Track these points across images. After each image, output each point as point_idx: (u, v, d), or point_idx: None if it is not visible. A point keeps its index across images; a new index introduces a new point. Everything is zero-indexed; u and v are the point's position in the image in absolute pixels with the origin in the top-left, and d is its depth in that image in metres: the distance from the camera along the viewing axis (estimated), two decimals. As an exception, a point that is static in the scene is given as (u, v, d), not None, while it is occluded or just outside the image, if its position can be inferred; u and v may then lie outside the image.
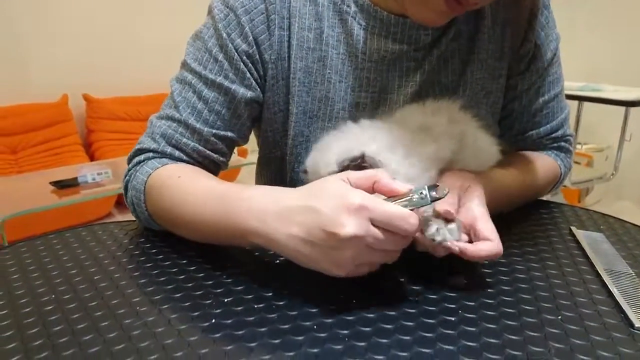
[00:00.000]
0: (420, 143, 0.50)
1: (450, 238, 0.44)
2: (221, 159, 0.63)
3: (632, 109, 2.25)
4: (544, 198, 0.72)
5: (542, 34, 0.63)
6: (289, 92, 0.60)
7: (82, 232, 0.61)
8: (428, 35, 0.59)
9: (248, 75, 0.59)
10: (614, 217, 0.64)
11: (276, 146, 0.66)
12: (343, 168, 0.48)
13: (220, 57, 0.58)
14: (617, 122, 2.39)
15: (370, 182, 0.42)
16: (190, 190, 0.53)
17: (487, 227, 0.45)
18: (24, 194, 2.22)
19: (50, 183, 2.19)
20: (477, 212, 0.46)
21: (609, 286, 0.45)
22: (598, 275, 0.48)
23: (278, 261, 0.51)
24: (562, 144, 0.71)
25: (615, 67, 2.84)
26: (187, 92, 0.59)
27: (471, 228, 0.46)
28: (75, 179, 2.21)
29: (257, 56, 0.59)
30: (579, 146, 2.68)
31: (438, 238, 0.43)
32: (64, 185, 2.18)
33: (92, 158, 3.29)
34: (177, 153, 0.59)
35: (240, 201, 0.47)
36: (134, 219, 0.61)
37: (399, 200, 0.41)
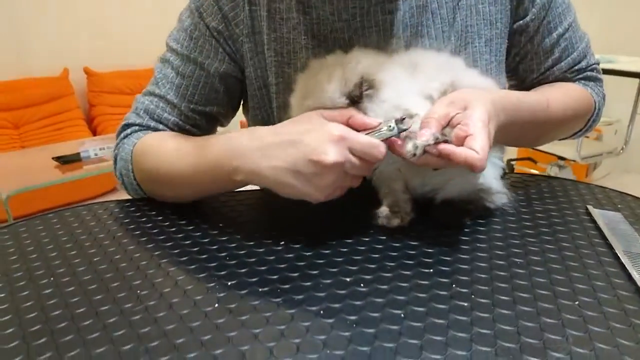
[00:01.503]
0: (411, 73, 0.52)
1: (425, 143, 0.45)
2: (197, 132, 0.65)
3: (645, 81, 2.18)
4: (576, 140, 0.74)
5: None
6: (266, 64, 0.61)
7: (82, 211, 0.60)
8: None
9: (220, 49, 0.61)
10: (632, 196, 0.62)
11: (264, 122, 0.65)
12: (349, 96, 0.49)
13: (195, 34, 0.61)
14: (628, 95, 2.33)
15: (344, 118, 0.47)
16: (174, 147, 0.58)
17: (475, 142, 0.44)
18: (27, 169, 2.22)
19: (53, 158, 2.17)
20: (470, 129, 0.45)
21: (629, 269, 0.44)
22: (617, 257, 0.46)
23: (280, 248, 0.50)
24: (589, 73, 0.68)
25: (631, 37, 2.75)
26: (166, 69, 0.63)
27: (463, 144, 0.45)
28: (78, 154, 2.19)
29: (228, 32, 0.61)
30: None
31: (418, 152, 0.45)
32: (66, 161, 2.16)
33: (94, 132, 3.27)
34: (160, 127, 0.63)
35: (220, 144, 0.52)
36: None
37: (371, 132, 0.47)
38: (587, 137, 2.66)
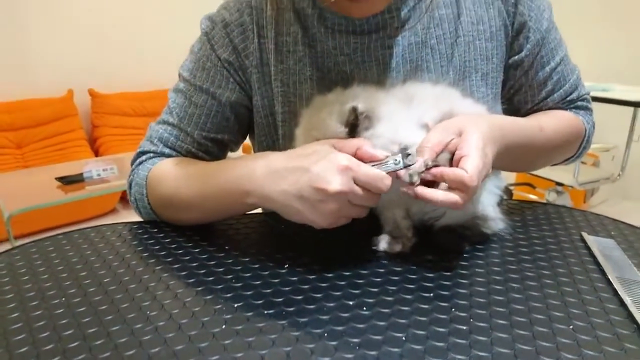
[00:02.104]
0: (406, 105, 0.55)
1: (418, 170, 0.47)
2: (209, 158, 0.67)
3: (640, 109, 2.23)
4: (566, 164, 0.75)
5: (533, 6, 0.64)
6: (273, 94, 0.64)
7: (91, 232, 0.61)
8: (393, 18, 0.60)
9: (231, 80, 0.64)
10: (625, 223, 0.63)
11: (270, 149, 0.67)
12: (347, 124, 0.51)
13: (207, 65, 0.64)
14: (624, 122, 2.37)
15: (353, 149, 0.49)
16: (188, 172, 0.61)
17: (466, 163, 0.46)
18: (29, 189, 2.23)
19: (56, 179, 2.19)
20: (464, 151, 0.47)
21: (621, 295, 0.45)
22: (610, 283, 0.48)
23: (284, 271, 0.51)
24: (580, 103, 0.71)
25: (626, 67, 2.82)
26: (180, 98, 0.66)
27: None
28: (81, 174, 2.21)
29: (238, 63, 0.64)
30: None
31: (414, 179, 0.47)
32: (69, 181, 2.18)
33: (96, 153, 3.30)
34: (174, 154, 0.66)
35: (233, 169, 0.55)
36: (140, 219, 0.63)
37: (377, 165, 0.48)
38: (585, 163, 2.69)
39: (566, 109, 0.71)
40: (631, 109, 2.25)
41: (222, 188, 0.55)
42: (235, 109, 0.66)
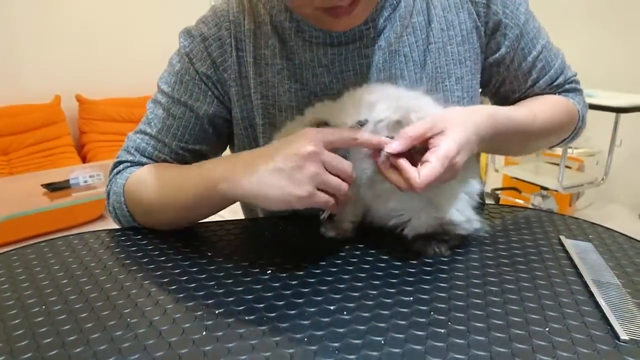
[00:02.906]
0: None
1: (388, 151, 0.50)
2: None
3: (623, 115, 2.27)
4: (560, 148, 0.77)
5: (508, 2, 0.64)
6: (253, 106, 0.65)
7: (74, 240, 0.61)
8: (369, 29, 0.61)
9: (209, 93, 0.65)
10: (603, 227, 0.65)
11: None
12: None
13: (185, 78, 0.65)
14: (608, 127, 2.42)
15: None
16: (165, 174, 0.62)
17: (423, 168, 0.48)
18: (15, 196, 2.21)
19: (42, 185, 2.17)
20: (430, 157, 0.49)
21: (597, 297, 0.46)
22: (586, 286, 0.49)
23: (266, 277, 0.52)
24: (568, 86, 0.72)
25: (609, 73, 2.87)
26: (158, 110, 0.66)
27: None
28: (67, 181, 2.20)
29: (216, 77, 0.65)
30: (570, 150, 2.71)
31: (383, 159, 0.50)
32: (55, 188, 2.16)
33: (84, 159, 3.27)
34: (151, 163, 0.66)
35: (205, 163, 0.57)
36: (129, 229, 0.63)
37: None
38: (569, 167, 2.73)
39: (555, 94, 0.72)
40: (614, 114, 2.29)
41: (194, 180, 0.56)
42: (213, 121, 0.66)
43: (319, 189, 0.49)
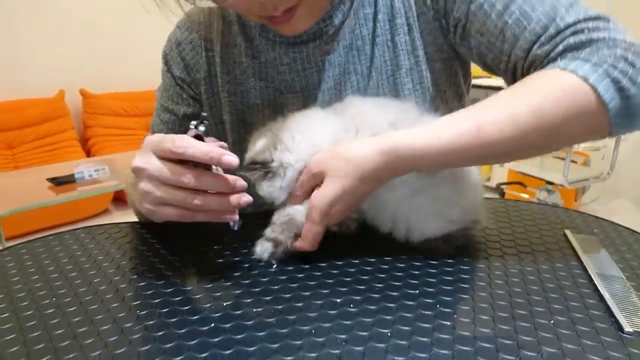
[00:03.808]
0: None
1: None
2: None
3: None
4: (582, 146, 0.63)
5: None
6: (221, 104, 0.68)
7: (81, 233, 0.62)
8: (328, 26, 0.62)
9: (184, 95, 0.70)
10: (608, 221, 0.65)
11: None
12: (246, 166, 0.55)
13: (167, 85, 0.71)
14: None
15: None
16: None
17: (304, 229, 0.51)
18: (21, 190, 2.22)
19: (48, 180, 2.19)
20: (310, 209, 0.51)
21: (601, 290, 0.46)
22: (590, 279, 0.49)
23: (273, 270, 0.52)
24: (570, 40, 0.47)
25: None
26: (155, 117, 0.73)
27: None
28: (72, 175, 2.21)
29: (190, 78, 0.69)
30: (575, 145, 2.70)
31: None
32: (60, 182, 2.18)
33: (88, 154, 3.29)
34: None
35: None
36: (131, 219, 0.65)
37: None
38: (575, 162, 2.72)
39: (553, 57, 0.49)
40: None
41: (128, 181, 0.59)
42: (192, 120, 0.69)
43: (165, 204, 0.45)
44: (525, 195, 2.70)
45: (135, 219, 0.67)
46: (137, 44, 3.51)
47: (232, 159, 0.43)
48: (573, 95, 0.44)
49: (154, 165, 0.44)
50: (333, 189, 0.49)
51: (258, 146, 0.56)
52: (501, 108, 0.47)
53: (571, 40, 0.47)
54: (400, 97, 0.62)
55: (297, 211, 0.53)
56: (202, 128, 0.46)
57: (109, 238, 0.60)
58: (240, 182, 0.46)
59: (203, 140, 0.46)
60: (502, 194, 2.82)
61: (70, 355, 0.37)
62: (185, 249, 0.56)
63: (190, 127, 0.46)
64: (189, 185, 0.44)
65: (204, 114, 0.47)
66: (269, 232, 0.54)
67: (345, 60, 0.63)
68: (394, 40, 0.62)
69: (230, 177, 0.45)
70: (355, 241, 0.57)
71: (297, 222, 0.53)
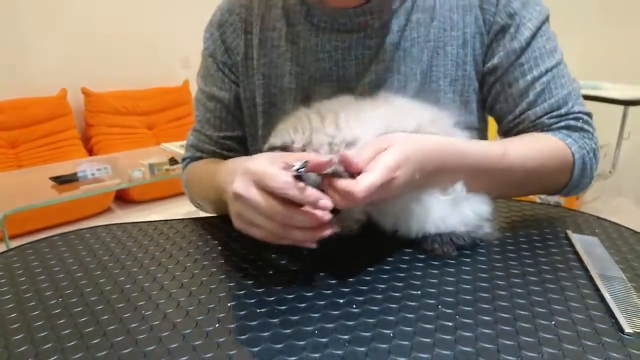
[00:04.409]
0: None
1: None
2: (234, 154, 0.73)
3: (631, 108, 2.26)
4: (553, 198, 0.69)
5: (515, 15, 0.62)
6: (255, 86, 0.68)
7: (86, 233, 0.62)
8: (375, 19, 0.62)
9: (227, 80, 0.70)
10: (609, 221, 0.65)
11: (254, 139, 0.72)
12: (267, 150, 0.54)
13: (210, 71, 0.71)
14: (616, 120, 2.40)
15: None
16: (200, 172, 0.71)
17: (362, 177, 0.45)
18: (24, 189, 2.23)
19: (50, 178, 2.19)
20: (369, 168, 0.46)
21: (602, 291, 0.47)
22: (591, 279, 0.49)
23: (276, 270, 0.53)
24: (571, 122, 0.63)
25: (618, 65, 2.85)
26: (198, 106, 0.74)
27: None
28: (75, 174, 2.22)
29: (231, 61, 0.70)
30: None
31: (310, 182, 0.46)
32: (63, 181, 2.18)
33: (90, 152, 3.29)
34: (204, 155, 0.75)
35: (220, 169, 0.59)
36: (136, 220, 0.66)
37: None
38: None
39: (553, 127, 0.63)
40: (622, 107, 2.28)
41: (213, 186, 0.59)
42: (237, 104, 0.71)
43: (255, 226, 0.47)
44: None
45: (136, 219, 0.68)
46: (139, 42, 3.51)
47: (327, 202, 0.44)
48: (563, 160, 0.62)
49: (252, 195, 0.45)
50: (398, 153, 0.47)
51: (277, 130, 0.56)
52: (521, 147, 0.60)
53: (571, 123, 0.63)
54: (438, 105, 0.62)
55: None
56: (302, 170, 0.43)
57: (114, 238, 0.60)
58: (328, 216, 0.45)
59: (302, 180, 0.44)
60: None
61: (78, 355, 0.38)
62: (190, 249, 0.57)
63: (294, 165, 0.44)
64: (280, 221, 0.45)
65: (307, 160, 0.44)
66: None
67: (389, 58, 0.63)
68: (445, 49, 0.63)
69: (319, 213, 0.44)
70: (358, 243, 0.58)
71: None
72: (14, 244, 1.98)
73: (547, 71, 0.63)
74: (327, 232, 0.46)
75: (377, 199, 0.47)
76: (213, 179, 0.59)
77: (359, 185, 0.44)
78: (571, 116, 0.63)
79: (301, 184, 0.43)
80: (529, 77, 0.63)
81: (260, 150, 0.67)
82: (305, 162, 0.43)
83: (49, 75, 3.22)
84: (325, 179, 0.46)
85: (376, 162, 0.46)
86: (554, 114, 0.63)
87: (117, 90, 3.48)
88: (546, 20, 0.64)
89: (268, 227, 0.46)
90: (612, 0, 2.90)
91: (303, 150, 0.52)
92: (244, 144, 0.74)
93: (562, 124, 0.63)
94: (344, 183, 0.45)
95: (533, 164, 0.60)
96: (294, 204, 0.44)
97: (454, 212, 0.55)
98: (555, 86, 0.63)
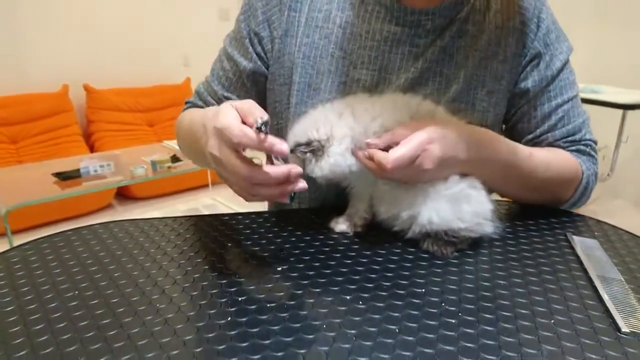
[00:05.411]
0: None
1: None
2: None
3: (630, 111, 2.28)
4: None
5: (550, 46, 0.69)
6: (293, 65, 0.69)
7: (87, 235, 0.63)
8: (428, 20, 0.65)
9: (251, 49, 0.71)
10: (609, 224, 0.67)
11: (280, 117, 0.73)
12: (293, 150, 0.57)
13: (239, 35, 0.72)
14: (614, 123, 2.42)
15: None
16: (190, 116, 0.72)
17: (394, 150, 0.52)
18: (26, 184, 2.25)
19: (53, 174, 2.20)
20: (402, 141, 0.53)
21: (600, 292, 0.48)
22: (590, 281, 0.51)
23: (285, 267, 0.54)
24: (582, 147, 0.72)
25: (617, 69, 2.87)
26: (217, 61, 0.77)
27: None
28: (78, 170, 2.23)
29: (266, 33, 0.70)
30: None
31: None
32: (66, 177, 2.20)
33: (91, 148, 3.31)
34: (204, 107, 0.76)
35: (206, 112, 0.57)
36: (134, 217, 0.67)
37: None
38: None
39: (567, 149, 0.72)
40: (621, 110, 2.30)
41: (194, 125, 0.60)
42: (251, 77, 0.73)
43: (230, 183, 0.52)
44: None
45: (136, 216, 0.69)
46: (141, 40, 3.52)
47: (283, 148, 0.47)
48: (574, 175, 0.70)
49: (223, 154, 0.49)
50: (433, 130, 0.54)
51: (298, 129, 0.59)
52: (545, 154, 0.67)
53: (582, 148, 0.72)
54: (475, 112, 0.67)
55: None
56: (263, 126, 0.47)
57: (127, 233, 0.62)
58: (295, 170, 0.49)
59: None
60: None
61: (96, 346, 0.39)
62: (199, 244, 0.58)
63: (255, 123, 0.47)
64: (245, 179, 0.49)
65: (266, 117, 0.47)
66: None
67: (434, 59, 0.66)
68: (487, 61, 0.67)
69: (285, 167, 0.49)
70: (363, 242, 0.59)
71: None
72: (15, 238, 1.99)
73: (568, 100, 0.70)
74: (297, 187, 0.50)
75: (411, 174, 0.54)
76: (194, 132, 0.59)
77: (390, 157, 0.51)
78: (582, 143, 0.72)
79: (262, 135, 0.46)
80: (553, 103, 0.70)
81: (286, 127, 0.71)
82: (266, 119, 0.47)
83: (51, 72, 3.23)
84: (365, 150, 0.54)
85: (409, 138, 0.53)
86: (569, 139, 0.71)
87: (119, 88, 3.49)
88: (570, 55, 0.71)
89: (238, 184, 0.50)
90: (612, 5, 2.92)
91: (328, 142, 0.56)
92: None
93: (574, 148, 0.72)
94: (379, 154, 0.52)
95: (553, 171, 0.67)
96: (253, 165, 0.48)
97: (450, 206, 0.57)
98: (574, 114, 0.71)
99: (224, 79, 0.74)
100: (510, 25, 0.68)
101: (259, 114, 0.48)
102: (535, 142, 0.72)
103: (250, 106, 0.49)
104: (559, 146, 0.72)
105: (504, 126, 0.75)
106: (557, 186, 0.70)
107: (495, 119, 0.70)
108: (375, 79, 0.67)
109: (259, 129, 0.46)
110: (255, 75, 0.72)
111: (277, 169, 0.48)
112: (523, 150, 0.64)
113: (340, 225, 0.63)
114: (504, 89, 0.69)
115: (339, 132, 0.57)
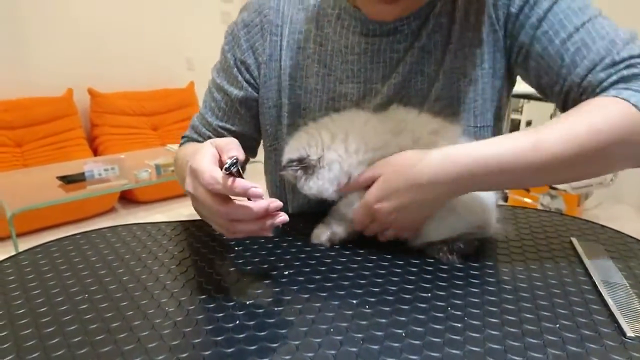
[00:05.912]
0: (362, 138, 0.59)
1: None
2: None
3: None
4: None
5: None
6: (281, 87, 0.70)
7: (96, 239, 0.64)
8: (404, 25, 0.65)
9: (240, 78, 0.72)
10: (613, 229, 0.67)
11: (274, 138, 0.74)
12: (285, 167, 0.59)
13: (225, 65, 0.73)
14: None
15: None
16: (181, 153, 0.73)
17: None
18: (31, 188, 2.26)
19: (57, 178, 2.22)
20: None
21: (605, 297, 0.49)
22: (595, 286, 0.51)
23: (292, 271, 0.55)
24: (624, 72, 0.53)
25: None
26: (208, 93, 0.77)
27: None
28: (82, 174, 2.24)
29: (252, 60, 0.71)
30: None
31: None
32: (70, 180, 2.21)
33: (95, 152, 3.32)
34: (200, 139, 0.77)
35: (193, 149, 0.58)
36: (141, 221, 0.67)
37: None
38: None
39: (606, 86, 0.55)
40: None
41: (183, 163, 0.62)
42: (244, 103, 0.73)
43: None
44: (529, 200, 2.72)
45: (140, 220, 0.70)
46: (145, 44, 3.54)
47: (257, 190, 0.45)
48: (626, 120, 0.50)
49: (199, 194, 0.48)
50: (383, 187, 0.55)
51: (292, 146, 0.60)
52: (559, 128, 0.51)
53: (624, 72, 0.53)
54: (461, 105, 0.66)
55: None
56: (233, 167, 0.45)
57: (134, 237, 0.62)
58: (274, 204, 0.47)
59: (234, 176, 0.46)
60: (506, 198, 2.84)
61: (107, 348, 0.40)
62: (206, 250, 0.59)
63: (225, 164, 0.45)
64: (223, 217, 0.48)
65: (236, 155, 0.47)
66: (327, 219, 0.62)
67: (415, 60, 0.66)
68: (463, 51, 0.65)
69: (264, 202, 0.47)
70: (368, 248, 0.60)
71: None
72: (20, 241, 2.00)
73: (577, 29, 0.57)
74: (277, 220, 0.49)
75: (377, 229, 0.58)
76: (183, 170, 0.58)
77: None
78: (622, 65, 0.54)
79: (231, 179, 0.45)
80: (557, 41, 0.58)
81: (280, 148, 0.71)
82: (235, 159, 0.46)
83: (56, 76, 3.25)
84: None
85: (359, 204, 0.57)
86: (598, 68, 0.55)
87: (123, 91, 3.51)
88: None
89: (217, 222, 0.50)
90: (612, 7, 2.92)
91: (318, 162, 0.57)
92: (240, 139, 0.71)
93: (615, 77, 0.54)
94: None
95: (581, 142, 0.50)
96: (231, 203, 0.47)
97: (444, 220, 0.57)
98: (593, 40, 0.56)
99: (217, 110, 0.75)
100: (480, 4, 0.64)
101: (231, 154, 0.47)
102: (566, 92, 0.59)
103: (226, 143, 0.49)
104: (591, 85, 0.56)
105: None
106: (602, 151, 0.51)
107: (485, 105, 0.66)
108: (362, 91, 0.67)
109: (227, 170, 0.45)
110: (248, 101, 0.73)
111: (256, 204, 0.46)
112: (523, 144, 0.51)
113: (321, 235, 0.61)
114: (487, 72, 0.65)
115: (329, 156, 0.58)
